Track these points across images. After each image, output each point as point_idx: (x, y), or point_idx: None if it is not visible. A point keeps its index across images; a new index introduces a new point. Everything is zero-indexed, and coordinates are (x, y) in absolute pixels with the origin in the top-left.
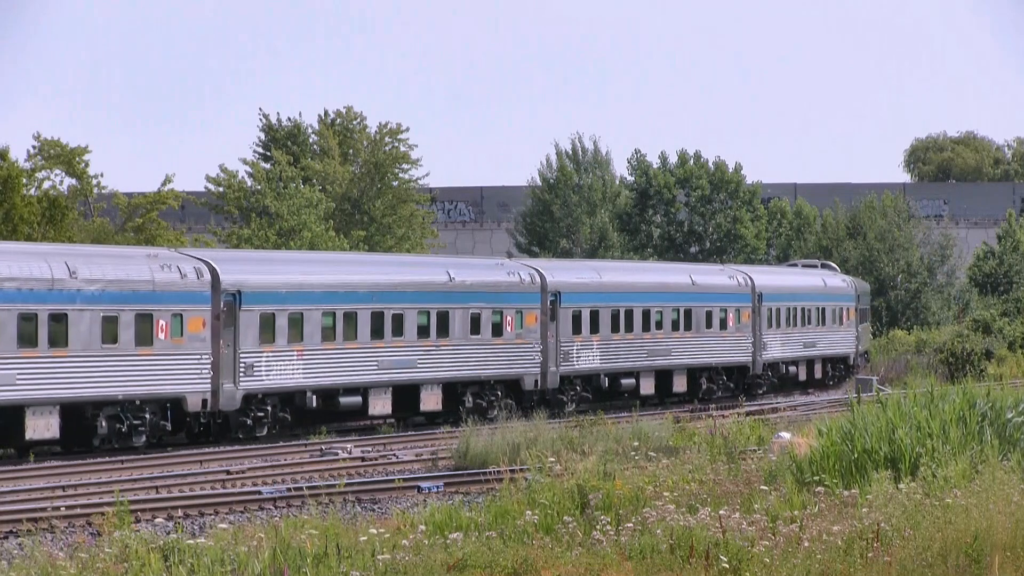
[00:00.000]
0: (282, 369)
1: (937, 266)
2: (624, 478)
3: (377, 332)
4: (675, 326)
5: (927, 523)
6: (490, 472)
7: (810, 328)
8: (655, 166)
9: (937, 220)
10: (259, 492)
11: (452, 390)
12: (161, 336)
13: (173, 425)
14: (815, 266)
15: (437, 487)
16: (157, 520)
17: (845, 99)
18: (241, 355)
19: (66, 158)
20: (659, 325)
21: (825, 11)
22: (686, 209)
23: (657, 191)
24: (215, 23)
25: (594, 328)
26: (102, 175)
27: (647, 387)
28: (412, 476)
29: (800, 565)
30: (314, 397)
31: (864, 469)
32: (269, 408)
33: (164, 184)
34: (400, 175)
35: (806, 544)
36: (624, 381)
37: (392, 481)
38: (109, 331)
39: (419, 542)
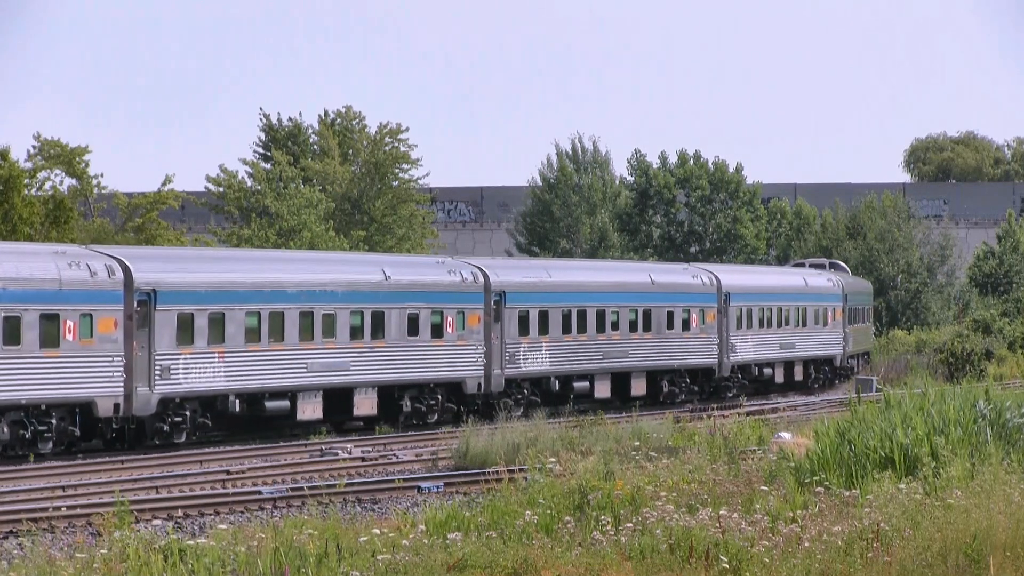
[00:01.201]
0: (202, 372)
1: (937, 266)
2: (624, 478)
3: (306, 333)
4: (633, 327)
5: (927, 523)
6: (490, 472)
7: (788, 329)
8: (655, 166)
9: (937, 220)
10: (259, 492)
11: (389, 394)
12: (69, 337)
13: (84, 431)
14: (823, 266)
15: (437, 487)
16: (157, 520)
17: (845, 99)
18: (156, 357)
19: (66, 158)
20: (615, 326)
21: (825, 11)
22: (686, 209)
23: (657, 191)
24: (215, 23)
25: (543, 329)
26: (102, 175)
27: (602, 390)
28: (412, 476)
29: (800, 565)
30: (237, 401)
31: (864, 469)
32: (188, 413)
33: (164, 184)
34: (400, 175)
35: (806, 544)
36: (577, 384)
37: (392, 481)
38: (11, 332)
39: (419, 542)
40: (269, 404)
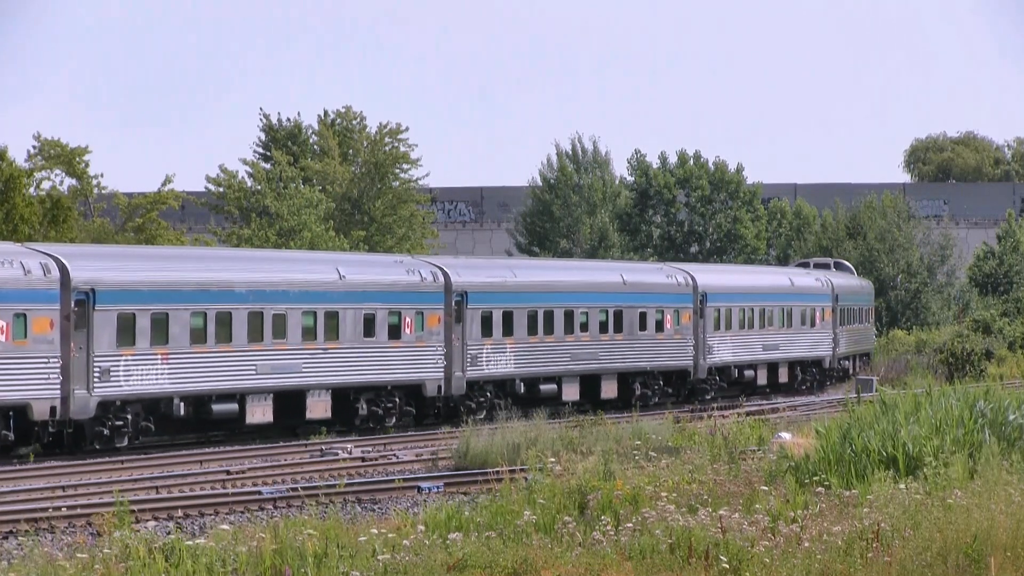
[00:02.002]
0: (144, 374)
1: (937, 266)
2: (624, 478)
3: (255, 334)
4: (603, 328)
5: (927, 523)
6: (490, 472)
7: (772, 330)
8: (655, 166)
9: (937, 220)
10: (259, 492)
11: (344, 396)
12: (1, 338)
13: (19, 435)
14: (827, 266)
15: (437, 487)
16: (157, 520)
17: (845, 99)
18: (95, 359)
19: (66, 158)
20: (584, 327)
21: (825, 11)
22: (686, 209)
23: (657, 191)
24: (215, 23)
25: (507, 330)
26: (102, 175)
27: (570, 393)
28: (412, 476)
29: (800, 565)
30: (182, 404)
31: (864, 469)
32: (129, 416)
33: (164, 184)
34: (400, 175)
35: (806, 544)
36: (544, 387)
37: (392, 481)
38: None
39: (419, 542)
40: (216, 407)
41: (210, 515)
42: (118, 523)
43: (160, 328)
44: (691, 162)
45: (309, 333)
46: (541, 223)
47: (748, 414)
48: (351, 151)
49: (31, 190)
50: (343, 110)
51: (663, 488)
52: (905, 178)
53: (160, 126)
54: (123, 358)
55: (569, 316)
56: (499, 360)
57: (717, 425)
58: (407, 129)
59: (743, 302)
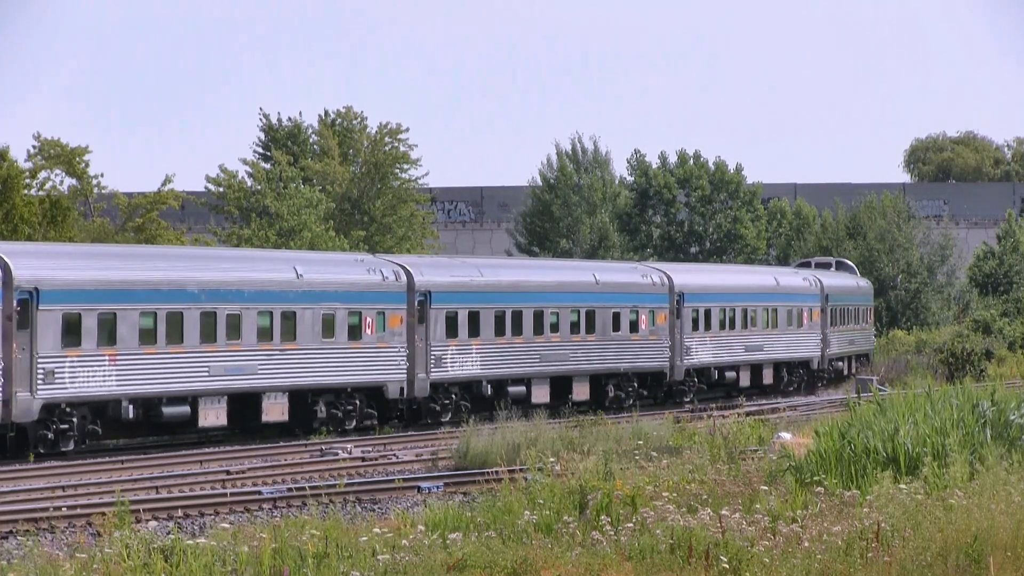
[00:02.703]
0: (91, 376)
1: (937, 266)
2: (624, 478)
3: (208, 334)
4: (575, 329)
5: (927, 523)
6: (490, 472)
7: (755, 331)
8: (655, 166)
9: (937, 220)
10: (259, 492)
11: (302, 399)
12: None
13: None
14: (829, 265)
15: (437, 487)
16: (157, 520)
17: (845, 99)
18: (39, 360)
19: (66, 158)
20: (555, 328)
21: (825, 11)
22: (686, 209)
23: (657, 191)
24: (215, 23)
25: (473, 331)
26: (102, 175)
27: (540, 395)
28: (412, 476)
29: (800, 565)
30: (131, 407)
31: (864, 469)
32: (75, 420)
33: (164, 184)
34: (400, 175)
35: (806, 544)
36: (512, 389)
37: (392, 481)
38: None
39: (419, 542)
40: (167, 410)
41: (210, 515)
42: (118, 523)
43: (107, 328)
44: (691, 162)
45: (265, 334)
46: (541, 223)
47: (748, 414)
48: (351, 151)
49: (33, 190)
50: (343, 110)
51: (663, 488)
52: (905, 178)
53: (160, 126)
54: (68, 359)
55: (539, 316)
56: (465, 361)
57: (717, 425)
58: (407, 129)
59: (724, 302)
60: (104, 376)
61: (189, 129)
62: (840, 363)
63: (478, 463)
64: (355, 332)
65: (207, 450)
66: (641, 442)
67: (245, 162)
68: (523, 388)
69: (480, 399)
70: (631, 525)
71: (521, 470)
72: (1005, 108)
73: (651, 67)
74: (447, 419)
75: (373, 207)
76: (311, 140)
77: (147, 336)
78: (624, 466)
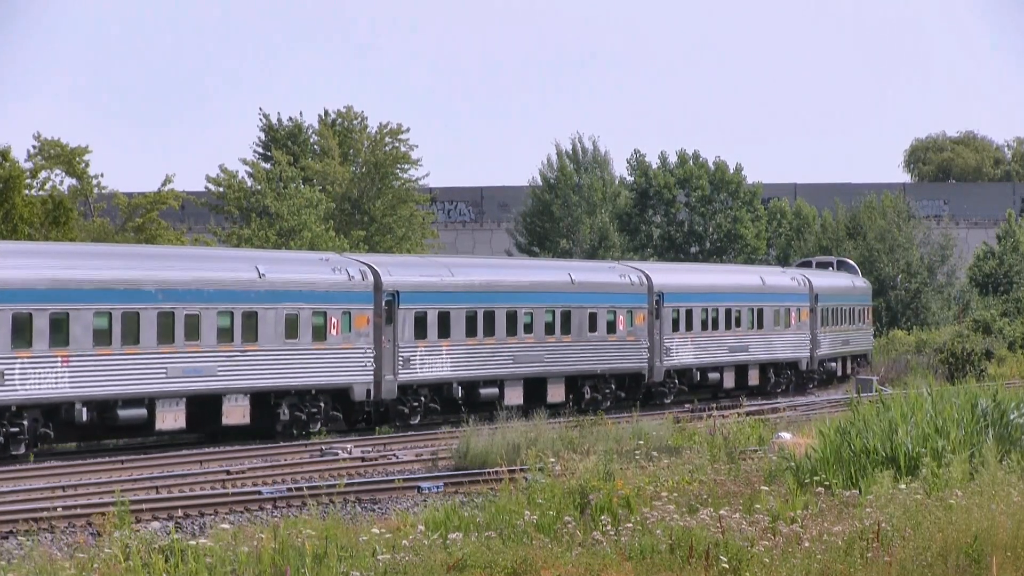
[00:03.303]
0: (42, 378)
1: (937, 266)
2: (624, 478)
3: (166, 335)
4: (549, 329)
5: (928, 523)
6: (490, 472)
7: (740, 331)
8: (655, 166)
9: (937, 220)
10: (259, 492)
11: (264, 401)
12: None
13: None
14: (830, 265)
15: (437, 487)
16: (157, 520)
17: (845, 99)
18: None
19: (66, 158)
20: (528, 328)
21: (825, 11)
22: (686, 209)
23: (657, 191)
24: (215, 23)
25: (443, 331)
26: (102, 175)
27: (513, 397)
28: (412, 476)
29: (800, 565)
30: (84, 410)
31: (864, 469)
32: (26, 423)
33: (164, 184)
34: (400, 175)
35: (806, 544)
36: (484, 391)
37: (392, 481)
38: None
39: (419, 542)
40: (122, 413)
41: (210, 515)
42: (118, 523)
43: (60, 329)
44: (691, 162)
45: (225, 334)
46: (541, 223)
47: (748, 414)
48: (351, 151)
49: (33, 190)
50: (343, 110)
51: (663, 488)
52: (905, 178)
53: (160, 126)
54: (19, 360)
55: (512, 317)
56: (434, 363)
57: (717, 425)
58: (408, 129)
59: (706, 302)
60: (56, 378)
61: (189, 129)
62: (833, 364)
63: (478, 463)
64: (320, 333)
65: (207, 450)
66: (641, 442)
67: (245, 162)
68: (496, 390)
69: (451, 401)
70: (631, 525)
71: (521, 470)
72: (1005, 108)
73: (651, 67)
74: (416, 422)
75: (373, 207)
76: (311, 140)
77: (102, 337)
78: (624, 466)
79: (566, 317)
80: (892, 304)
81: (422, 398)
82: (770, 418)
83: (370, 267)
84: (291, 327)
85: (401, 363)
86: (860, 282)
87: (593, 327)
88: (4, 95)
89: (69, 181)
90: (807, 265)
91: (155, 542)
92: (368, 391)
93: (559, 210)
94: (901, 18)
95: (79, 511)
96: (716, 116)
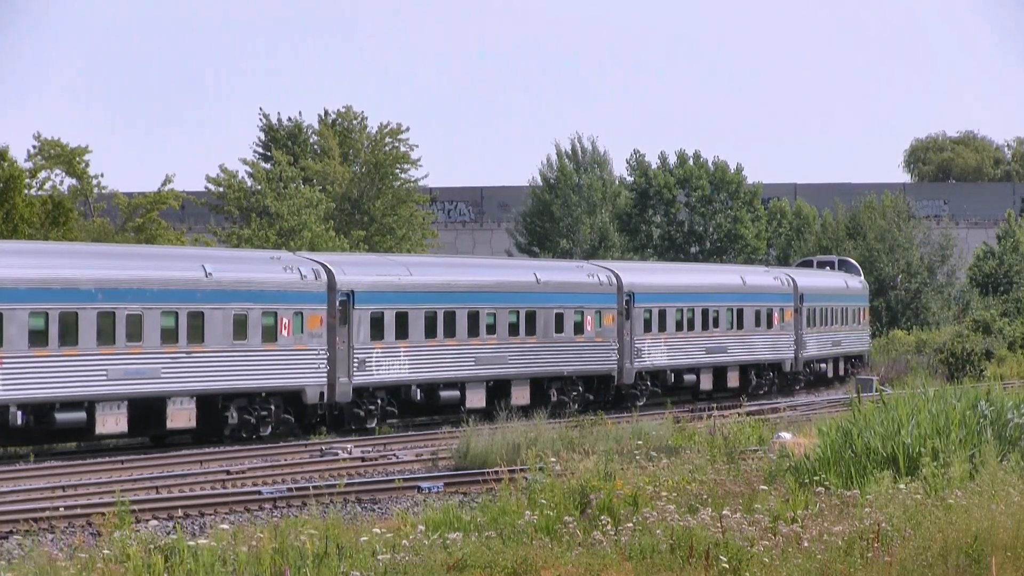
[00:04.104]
0: None
1: (937, 266)
2: (624, 478)
3: (106, 336)
4: (513, 330)
5: (928, 523)
6: (490, 472)
7: (718, 332)
8: (654, 166)
9: (937, 220)
10: (259, 492)
11: (211, 404)
12: None
13: None
14: (831, 264)
15: (437, 487)
16: (157, 520)
17: (845, 99)
18: None
19: (66, 158)
20: (491, 329)
21: (825, 11)
22: (686, 210)
23: (657, 191)
24: (215, 23)
25: (401, 333)
26: (102, 175)
27: (476, 399)
28: (412, 476)
29: (800, 565)
30: (20, 413)
31: (864, 469)
32: None
33: (164, 184)
34: (400, 175)
35: (806, 544)
36: (444, 393)
37: (392, 481)
38: None
39: (419, 542)
40: (60, 416)
41: (210, 515)
42: (118, 523)
43: None
44: (691, 162)
45: (170, 335)
46: (541, 223)
47: (748, 414)
48: (351, 151)
49: (33, 190)
50: (343, 110)
51: (663, 488)
52: (905, 178)
53: (160, 126)
54: None
55: (474, 317)
56: (391, 365)
57: (717, 425)
58: (407, 129)
59: (681, 302)
60: None
61: (189, 129)
62: (823, 365)
63: (478, 463)
64: (270, 333)
65: (207, 450)
66: (641, 442)
67: (245, 162)
68: (457, 392)
69: (410, 404)
70: (631, 525)
71: (521, 470)
72: (1005, 108)
73: (651, 67)
74: (372, 425)
75: (373, 207)
76: (311, 140)
77: (37, 338)
78: (624, 466)
79: (531, 317)
80: (892, 304)
81: (379, 401)
82: (770, 418)
83: (323, 266)
84: (240, 328)
85: (356, 365)
86: (855, 282)
87: (560, 328)
88: (4, 95)
89: (69, 181)
90: (808, 264)
91: (155, 542)
92: (321, 393)
93: (559, 210)
94: (901, 18)
95: (79, 511)
96: (716, 116)
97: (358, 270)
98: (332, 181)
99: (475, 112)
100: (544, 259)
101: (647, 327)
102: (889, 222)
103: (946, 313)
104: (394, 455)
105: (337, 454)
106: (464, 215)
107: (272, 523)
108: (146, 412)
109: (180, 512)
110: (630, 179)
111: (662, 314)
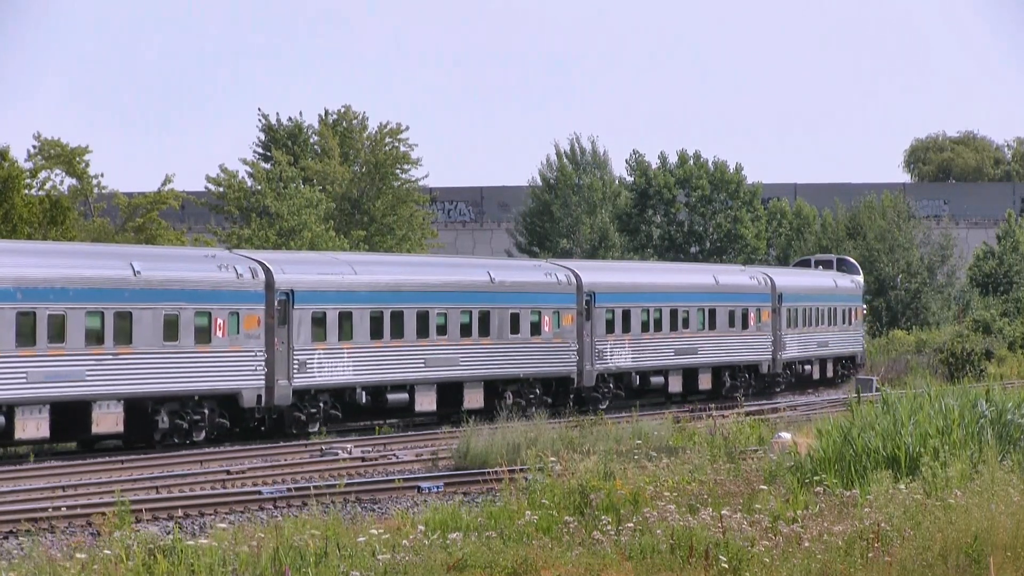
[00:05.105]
0: None
1: (937, 266)
2: (624, 478)
3: (26, 337)
4: (466, 331)
5: (928, 523)
6: (490, 472)
7: (688, 333)
8: (654, 166)
9: (937, 220)
10: (259, 492)
11: (141, 408)
12: None
13: None
14: (830, 263)
15: (437, 487)
16: (157, 520)
17: (845, 99)
18: None
19: (66, 158)
20: (442, 330)
21: (825, 11)
22: (686, 209)
23: (657, 191)
24: (215, 23)
25: (345, 333)
26: (102, 175)
27: (425, 403)
28: (412, 476)
29: (800, 565)
30: None
31: (864, 469)
32: None
33: (164, 184)
34: (400, 175)
35: (806, 544)
36: (392, 396)
37: (392, 481)
38: None
39: (419, 542)
40: None
41: (210, 515)
42: (118, 523)
43: None
44: (691, 162)
45: (95, 336)
46: (541, 223)
47: (748, 414)
48: (351, 151)
49: (34, 190)
50: (343, 110)
51: (663, 488)
52: (905, 178)
53: (160, 126)
54: None
55: (423, 317)
56: (335, 367)
57: (717, 425)
58: (407, 129)
59: (647, 302)
60: None
61: (189, 129)
62: (807, 367)
63: (478, 463)
64: (203, 334)
65: (207, 450)
66: (640, 442)
67: (245, 162)
68: (405, 395)
69: (355, 407)
70: (631, 525)
71: (521, 470)
72: (1005, 108)
73: (650, 67)
74: (315, 429)
75: (373, 207)
76: (311, 140)
77: None
78: (624, 466)
79: (485, 318)
80: (892, 304)
81: (321, 404)
82: (770, 418)
83: (261, 264)
84: (170, 328)
85: (296, 367)
86: (846, 281)
87: (515, 328)
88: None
89: (69, 181)
90: (806, 264)
91: (155, 542)
92: (259, 397)
93: (559, 210)
94: (901, 18)
95: (79, 511)
96: (716, 116)
97: (298, 268)
98: (332, 181)
99: (475, 112)
100: (500, 258)
101: (609, 328)
102: (889, 222)
103: (946, 313)
104: (394, 455)
105: (337, 454)
106: (464, 215)
107: (272, 523)
108: (70, 416)
109: (180, 512)
110: (630, 179)
111: (626, 314)
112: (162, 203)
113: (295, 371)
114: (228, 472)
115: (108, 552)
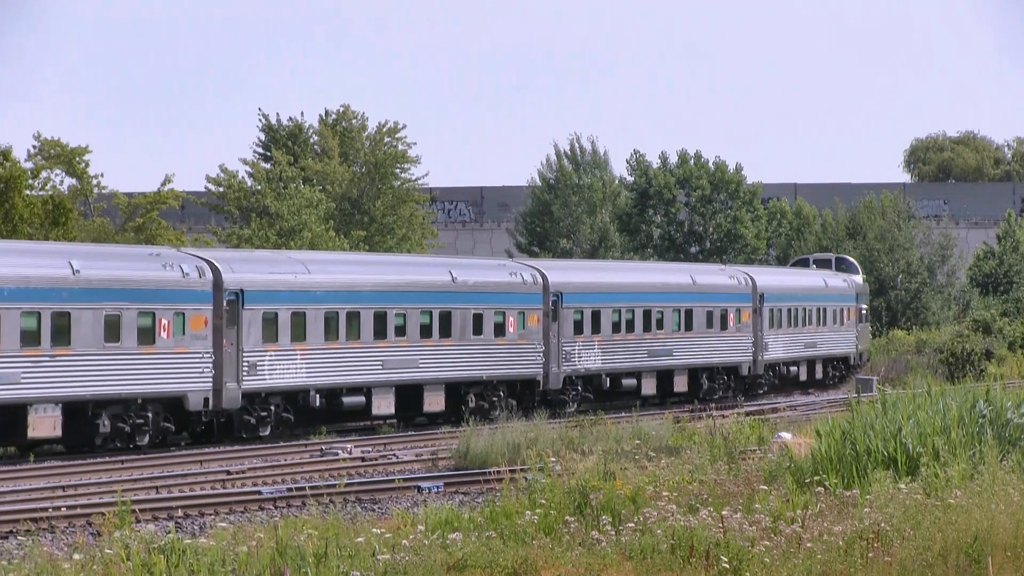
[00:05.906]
0: None
1: (937, 266)
2: (625, 478)
3: None
4: (426, 332)
5: (928, 523)
6: (490, 472)
7: (662, 334)
8: (655, 166)
9: (937, 220)
10: (259, 492)
11: (80, 411)
12: None
13: None
14: (829, 262)
15: (437, 487)
16: (157, 520)
17: (845, 99)
18: None
19: (66, 158)
20: (401, 331)
21: (825, 11)
22: (686, 209)
23: (657, 191)
24: (215, 23)
25: (298, 334)
26: (102, 175)
27: (383, 406)
28: (412, 476)
29: (800, 565)
30: None
31: (864, 469)
32: None
33: (164, 184)
34: (400, 175)
35: (807, 544)
36: (348, 399)
37: (392, 481)
38: None
39: (419, 542)
40: None
41: (210, 515)
42: (118, 523)
43: None
44: (691, 162)
45: (31, 337)
46: (541, 223)
47: (748, 414)
48: (351, 151)
49: (34, 191)
50: (343, 110)
51: (663, 488)
52: (905, 178)
53: (160, 126)
54: None
55: (380, 318)
56: (287, 369)
57: (717, 425)
58: (405, 127)
59: (618, 303)
60: None
61: (189, 129)
62: (793, 368)
63: (478, 463)
64: (147, 335)
65: (207, 450)
66: (639, 442)
67: (245, 162)
68: (361, 398)
69: (308, 410)
70: (631, 525)
71: (522, 470)
72: (1005, 108)
73: (650, 67)
74: (266, 433)
75: (373, 207)
76: (311, 140)
77: None
78: (624, 466)
79: (446, 318)
80: (892, 304)
81: (272, 407)
82: (770, 418)
83: (209, 263)
84: (112, 329)
85: (246, 369)
86: (838, 280)
87: (478, 329)
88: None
89: (69, 181)
90: (804, 263)
91: (155, 542)
92: (206, 400)
93: (559, 210)
94: (901, 18)
95: (79, 511)
96: (716, 116)
97: (248, 267)
98: (332, 181)
99: (475, 112)
100: (464, 257)
101: (578, 329)
102: (889, 222)
103: (946, 313)
104: (394, 455)
105: (337, 454)
106: (464, 215)
107: (272, 523)
108: (5, 420)
109: (180, 512)
110: (630, 179)
111: (595, 315)
112: (162, 203)
113: (245, 373)
114: (228, 472)
115: (108, 552)
